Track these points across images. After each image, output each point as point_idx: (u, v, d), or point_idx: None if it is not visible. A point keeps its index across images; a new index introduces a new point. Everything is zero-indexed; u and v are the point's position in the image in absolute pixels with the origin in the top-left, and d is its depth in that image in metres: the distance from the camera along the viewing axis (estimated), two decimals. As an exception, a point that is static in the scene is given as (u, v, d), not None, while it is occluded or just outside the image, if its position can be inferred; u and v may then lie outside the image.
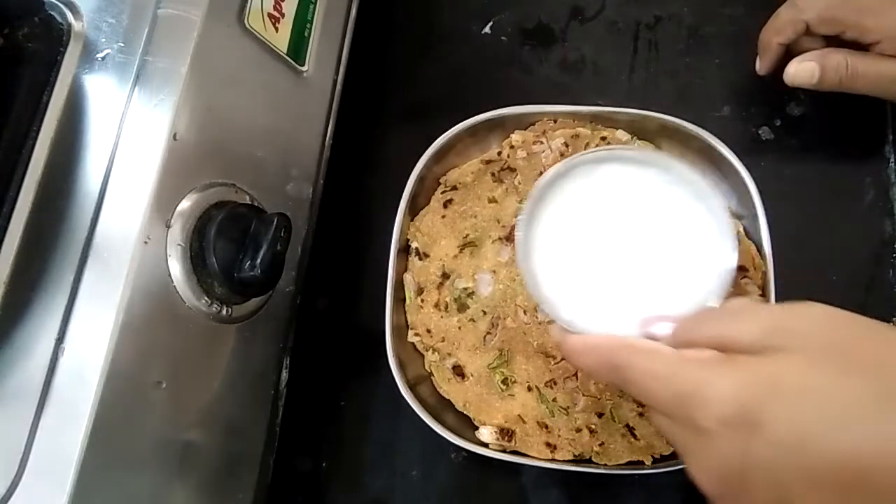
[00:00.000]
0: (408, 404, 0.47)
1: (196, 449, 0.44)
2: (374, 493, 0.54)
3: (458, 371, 0.49)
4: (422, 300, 0.50)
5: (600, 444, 0.46)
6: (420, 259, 0.51)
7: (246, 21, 0.46)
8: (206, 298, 0.42)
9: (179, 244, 0.41)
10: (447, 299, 0.50)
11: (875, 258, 0.56)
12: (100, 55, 0.42)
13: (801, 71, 0.51)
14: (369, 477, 0.55)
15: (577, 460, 0.47)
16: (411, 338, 0.50)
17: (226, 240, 0.43)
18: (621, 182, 0.42)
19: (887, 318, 0.54)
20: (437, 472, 0.54)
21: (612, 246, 0.41)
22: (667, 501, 0.52)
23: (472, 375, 0.49)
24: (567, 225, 0.42)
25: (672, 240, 0.41)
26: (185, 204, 0.41)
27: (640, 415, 0.47)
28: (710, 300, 0.39)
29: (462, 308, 0.50)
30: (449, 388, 0.49)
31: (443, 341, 0.50)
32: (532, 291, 0.40)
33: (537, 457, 0.46)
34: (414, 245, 0.51)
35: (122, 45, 0.42)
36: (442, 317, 0.50)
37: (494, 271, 0.50)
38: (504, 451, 0.47)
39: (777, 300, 0.47)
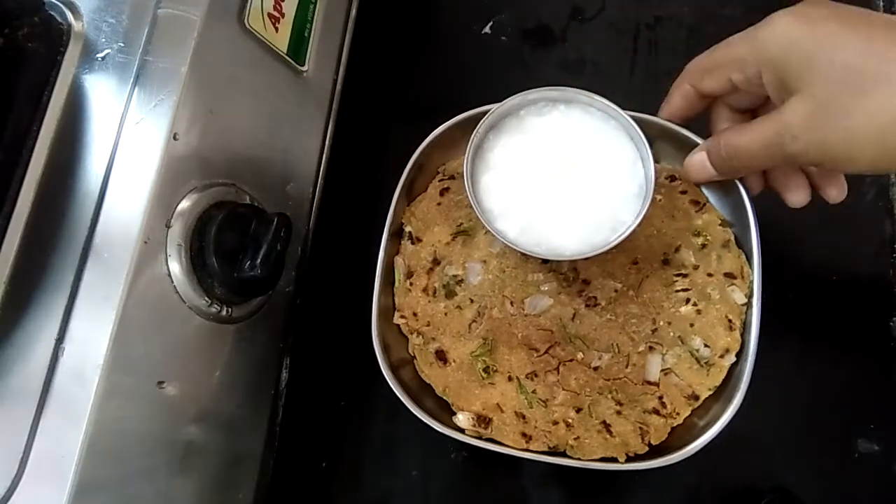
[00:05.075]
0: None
1: (196, 449, 0.44)
2: (374, 493, 0.54)
3: (441, 356, 0.49)
4: (410, 283, 0.51)
5: (575, 438, 0.47)
6: (412, 243, 0.51)
7: (246, 21, 0.46)
8: (206, 298, 0.42)
9: (179, 244, 0.41)
10: (436, 285, 0.50)
11: (875, 258, 0.56)
12: (100, 55, 0.42)
13: (691, 164, 0.46)
14: (369, 477, 0.55)
15: (551, 452, 0.47)
16: (397, 319, 0.50)
17: (226, 240, 0.43)
18: (566, 121, 0.48)
19: (887, 318, 0.54)
20: (437, 472, 0.54)
21: (550, 171, 0.47)
22: (666, 501, 0.52)
23: (454, 361, 0.49)
24: (515, 152, 0.48)
25: (599, 166, 0.47)
26: (185, 204, 0.41)
27: (618, 413, 0.47)
28: (630, 206, 0.46)
29: (450, 294, 0.50)
30: (430, 373, 0.49)
31: (428, 325, 0.50)
32: (472, 203, 0.46)
33: (512, 446, 0.47)
34: (408, 229, 0.52)
35: (122, 45, 0.42)
36: (429, 301, 0.50)
37: (485, 261, 0.50)
38: (479, 438, 0.47)
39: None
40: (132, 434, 0.39)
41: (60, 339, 0.37)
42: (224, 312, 0.44)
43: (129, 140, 0.40)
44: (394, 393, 0.46)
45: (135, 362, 0.38)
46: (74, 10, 0.43)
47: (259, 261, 0.43)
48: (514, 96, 0.48)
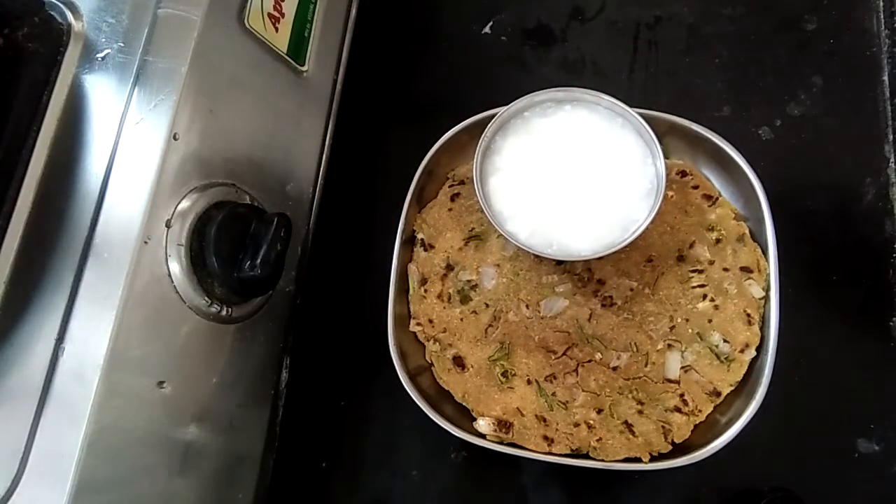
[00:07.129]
0: (407, 403, 0.47)
1: (196, 449, 0.44)
2: (374, 493, 0.54)
3: (459, 362, 0.49)
4: (425, 290, 0.51)
5: (598, 440, 0.47)
6: (425, 250, 0.51)
7: (246, 21, 0.46)
8: (206, 298, 0.42)
9: (179, 244, 0.41)
10: (450, 291, 0.51)
11: (875, 258, 0.56)
12: (100, 55, 0.42)
13: None
14: (369, 477, 0.55)
15: (575, 455, 0.47)
16: (413, 327, 0.50)
17: (226, 240, 0.43)
18: (573, 120, 0.48)
19: (887, 318, 0.54)
20: (437, 472, 0.54)
21: (558, 171, 0.47)
22: (666, 501, 0.52)
23: (472, 367, 0.49)
24: (522, 153, 0.48)
25: (609, 165, 0.47)
26: (185, 204, 0.41)
27: (640, 412, 0.47)
28: (641, 203, 0.45)
29: (465, 300, 0.50)
30: (448, 379, 0.49)
31: (444, 332, 0.50)
32: (483, 206, 0.46)
33: (534, 450, 0.47)
34: (419, 236, 0.52)
35: (122, 45, 0.42)
36: (444, 308, 0.50)
37: (499, 265, 0.50)
38: (501, 443, 0.47)
39: (778, 301, 0.47)
40: (132, 434, 0.39)
41: (60, 339, 0.37)
42: (224, 312, 0.44)
43: (129, 140, 0.40)
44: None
45: (135, 362, 0.38)
46: (74, 10, 0.43)
47: (259, 261, 0.43)
48: (521, 98, 0.48)
